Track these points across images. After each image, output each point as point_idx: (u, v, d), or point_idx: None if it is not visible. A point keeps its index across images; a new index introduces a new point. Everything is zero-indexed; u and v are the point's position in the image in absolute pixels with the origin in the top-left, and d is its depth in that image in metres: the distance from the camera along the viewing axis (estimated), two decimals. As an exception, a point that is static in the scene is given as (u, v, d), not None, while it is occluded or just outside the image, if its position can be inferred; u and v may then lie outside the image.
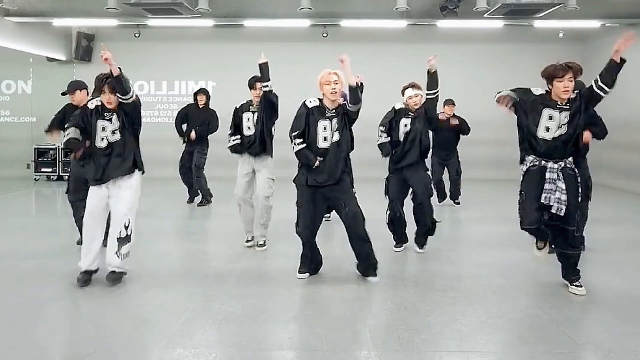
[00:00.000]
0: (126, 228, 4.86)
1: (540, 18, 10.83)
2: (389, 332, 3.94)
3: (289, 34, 12.74)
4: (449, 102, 9.52)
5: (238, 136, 6.21)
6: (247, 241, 6.31)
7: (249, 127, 6.18)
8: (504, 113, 4.67)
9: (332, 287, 4.91)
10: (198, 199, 9.27)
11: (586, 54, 13.32)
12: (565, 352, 3.60)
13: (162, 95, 13.52)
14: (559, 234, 4.65)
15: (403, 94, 6.08)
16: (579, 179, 4.58)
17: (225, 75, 13.22)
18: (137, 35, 12.36)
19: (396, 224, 6.08)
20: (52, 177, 12.84)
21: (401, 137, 5.93)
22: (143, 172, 5.05)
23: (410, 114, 5.96)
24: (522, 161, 4.69)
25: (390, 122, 6.01)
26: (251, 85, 6.26)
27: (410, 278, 5.18)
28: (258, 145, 6.08)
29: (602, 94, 4.51)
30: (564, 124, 4.52)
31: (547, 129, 4.52)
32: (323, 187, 4.93)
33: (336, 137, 4.95)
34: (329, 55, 13.02)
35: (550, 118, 4.52)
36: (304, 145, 4.95)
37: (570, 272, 4.78)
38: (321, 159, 4.92)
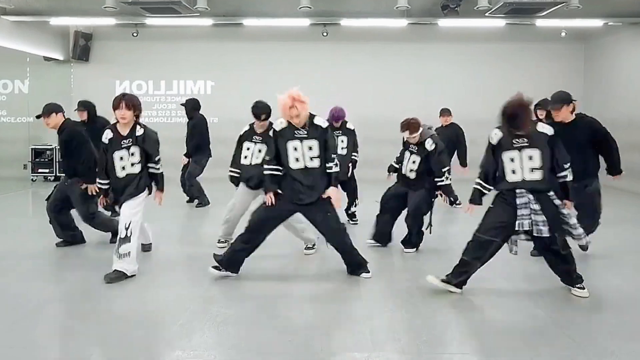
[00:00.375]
0: (126, 229, 5.02)
1: (542, 17, 10.83)
2: (389, 334, 3.95)
3: (289, 33, 12.75)
4: (445, 113, 9.40)
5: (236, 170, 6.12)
6: (308, 248, 6.08)
7: (245, 157, 6.00)
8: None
9: (333, 289, 4.92)
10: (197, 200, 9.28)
11: (589, 53, 13.33)
12: (569, 355, 3.60)
13: (160, 95, 13.52)
14: (547, 253, 4.66)
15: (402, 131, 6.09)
16: (555, 199, 4.48)
17: (224, 75, 13.23)
18: (135, 34, 12.37)
19: (378, 220, 6.27)
20: (49, 177, 12.84)
21: (406, 168, 6.11)
22: (149, 194, 5.33)
23: (413, 149, 6.08)
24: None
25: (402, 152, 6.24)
26: (256, 115, 5.91)
27: (412, 280, 5.18)
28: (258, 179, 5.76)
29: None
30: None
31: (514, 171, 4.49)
32: (300, 206, 5.04)
33: (312, 155, 4.97)
34: (329, 55, 13.20)
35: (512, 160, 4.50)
36: (273, 170, 5.02)
37: (569, 280, 4.74)
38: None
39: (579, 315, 4.34)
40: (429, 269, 5.55)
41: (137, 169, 5.15)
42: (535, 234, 4.42)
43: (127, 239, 5.02)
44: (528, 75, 12.94)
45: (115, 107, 5.10)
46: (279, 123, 5.01)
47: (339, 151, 7.12)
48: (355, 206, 7.81)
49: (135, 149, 5.14)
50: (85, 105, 7.85)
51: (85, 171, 5.97)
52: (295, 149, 4.94)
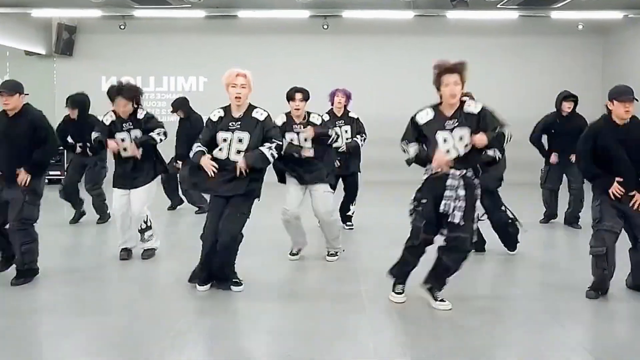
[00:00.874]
0: (145, 222, 6.09)
1: (557, 9, 10.86)
2: (394, 346, 3.95)
3: (287, 25, 12.77)
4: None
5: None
6: (292, 254, 6.18)
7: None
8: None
9: (333, 300, 4.92)
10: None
11: (608, 47, 13.35)
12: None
13: (149, 92, 13.52)
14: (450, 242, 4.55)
15: None
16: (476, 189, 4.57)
17: (218, 70, 12.99)
18: (122, 27, 12.39)
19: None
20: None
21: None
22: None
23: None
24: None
25: None
26: (290, 96, 5.97)
27: (416, 290, 5.18)
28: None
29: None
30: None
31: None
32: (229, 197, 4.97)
33: (239, 149, 4.93)
34: (329, 49, 13.22)
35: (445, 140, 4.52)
36: (199, 151, 4.97)
37: (438, 282, 4.68)
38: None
39: (595, 326, 4.34)
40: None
41: (140, 152, 5.95)
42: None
43: (147, 228, 6.10)
44: (542, 71, 12.96)
45: (113, 99, 5.92)
46: (215, 113, 5.09)
47: (343, 142, 7.07)
48: (352, 205, 7.60)
49: (137, 132, 5.92)
50: (76, 103, 7.87)
51: (46, 164, 5.48)
52: (225, 140, 4.95)
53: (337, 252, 6.18)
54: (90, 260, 6.27)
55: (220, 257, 4.97)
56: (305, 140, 5.85)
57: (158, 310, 4.64)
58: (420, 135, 4.62)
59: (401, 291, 4.82)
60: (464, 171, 4.53)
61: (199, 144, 5.02)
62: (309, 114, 5.93)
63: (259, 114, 5.00)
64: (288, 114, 5.93)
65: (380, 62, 13.16)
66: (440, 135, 4.52)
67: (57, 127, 7.21)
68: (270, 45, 13.11)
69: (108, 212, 8.00)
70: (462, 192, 4.45)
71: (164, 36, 13.21)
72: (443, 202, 4.45)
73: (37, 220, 5.34)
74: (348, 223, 7.65)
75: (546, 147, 8.02)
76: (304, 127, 5.85)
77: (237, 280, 5.10)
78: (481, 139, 4.42)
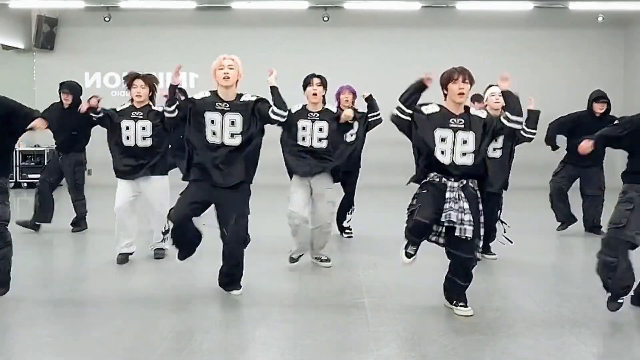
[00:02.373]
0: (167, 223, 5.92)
1: (575, -1, 10.88)
2: (400, 364, 3.95)
3: (284, 17, 12.80)
4: (477, 98, 9.33)
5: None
6: (293, 259, 6.20)
7: (303, 138, 5.97)
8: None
9: (334, 313, 4.91)
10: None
11: (629, 40, 13.37)
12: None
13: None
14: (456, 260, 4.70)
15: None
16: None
17: (210, 66, 13.21)
18: (107, 19, 12.42)
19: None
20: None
21: None
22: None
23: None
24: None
25: None
26: (307, 82, 6.08)
27: (425, 301, 5.18)
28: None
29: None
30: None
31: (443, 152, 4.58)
32: (215, 188, 4.97)
33: (233, 132, 4.98)
34: (330, 42, 13.24)
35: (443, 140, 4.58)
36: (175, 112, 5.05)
37: (458, 298, 4.82)
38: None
39: (617, 342, 4.34)
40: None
41: (147, 142, 6.13)
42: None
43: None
44: (559, 66, 12.97)
45: (130, 85, 6.26)
46: (200, 93, 5.10)
47: (348, 139, 7.07)
48: (350, 213, 7.60)
49: (146, 123, 6.14)
50: (71, 88, 7.80)
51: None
52: (213, 121, 4.96)
53: (328, 258, 6.25)
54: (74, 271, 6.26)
55: (229, 264, 5.16)
56: (321, 130, 5.90)
57: (143, 323, 4.63)
58: (413, 126, 4.63)
59: (412, 252, 4.76)
60: (464, 181, 4.53)
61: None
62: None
63: (248, 97, 5.07)
64: (304, 105, 6.01)
65: (385, 57, 13.17)
66: (438, 133, 4.54)
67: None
68: (266, 39, 13.12)
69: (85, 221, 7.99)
70: (465, 205, 4.46)
71: (152, 29, 13.23)
72: (444, 213, 4.44)
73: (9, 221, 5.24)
74: (347, 231, 7.68)
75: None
76: (319, 115, 5.93)
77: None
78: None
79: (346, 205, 7.57)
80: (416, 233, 4.61)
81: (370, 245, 7.23)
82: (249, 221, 5.11)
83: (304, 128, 5.86)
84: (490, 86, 6.24)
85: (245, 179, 5.04)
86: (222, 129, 4.94)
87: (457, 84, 4.56)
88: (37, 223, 7.88)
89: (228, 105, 4.97)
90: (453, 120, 4.56)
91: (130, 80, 6.26)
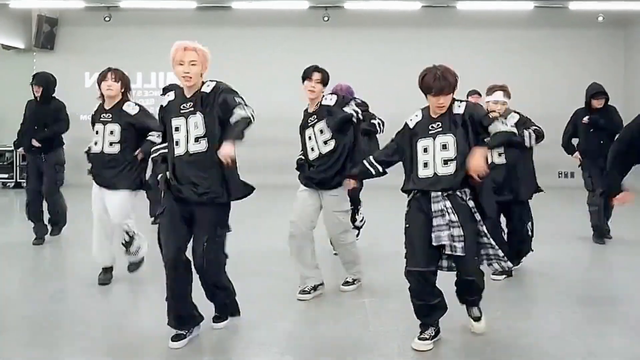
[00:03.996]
0: (127, 233, 5.52)
1: (576, -1, 10.87)
2: (400, 364, 3.94)
3: (284, 17, 12.79)
4: (474, 93, 9.34)
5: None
6: (303, 292, 5.20)
7: (312, 149, 5.21)
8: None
9: (335, 313, 4.91)
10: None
11: (629, 41, 13.36)
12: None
13: (136, 88, 13.49)
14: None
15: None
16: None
17: (210, 65, 13.21)
18: (107, 19, 12.41)
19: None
20: (8, 184, 12.84)
21: None
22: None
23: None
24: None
25: None
26: (307, 75, 5.37)
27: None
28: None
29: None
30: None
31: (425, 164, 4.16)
32: (186, 203, 4.12)
33: (198, 135, 4.11)
34: (330, 42, 13.22)
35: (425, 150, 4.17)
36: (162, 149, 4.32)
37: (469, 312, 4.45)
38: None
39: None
40: (449, 290, 5.55)
41: (115, 149, 5.44)
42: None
43: (131, 241, 5.52)
44: (559, 66, 12.96)
45: (101, 79, 5.65)
46: (169, 94, 4.45)
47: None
48: (358, 214, 7.04)
49: (114, 127, 5.46)
50: (41, 81, 7.36)
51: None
52: (177, 128, 4.15)
53: (354, 280, 5.51)
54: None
55: (208, 295, 4.40)
56: (322, 132, 5.14)
57: (143, 327, 4.63)
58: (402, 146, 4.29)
59: (427, 337, 4.16)
60: (450, 191, 4.06)
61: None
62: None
63: (208, 88, 4.26)
64: (305, 109, 5.38)
65: (385, 57, 13.16)
66: (420, 144, 4.17)
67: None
68: (266, 39, 13.12)
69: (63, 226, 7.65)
70: (453, 217, 3.99)
71: (152, 29, 13.21)
72: (433, 234, 4.01)
73: None
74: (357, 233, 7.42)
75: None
76: (317, 117, 5.20)
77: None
78: (476, 164, 3.93)
79: (352, 212, 7.33)
80: (419, 292, 4.13)
81: (370, 245, 7.21)
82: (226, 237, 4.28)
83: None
84: (493, 90, 5.92)
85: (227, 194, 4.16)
86: (188, 136, 4.13)
87: (435, 98, 4.15)
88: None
89: (191, 106, 4.18)
90: (432, 126, 4.18)
91: (101, 76, 5.68)
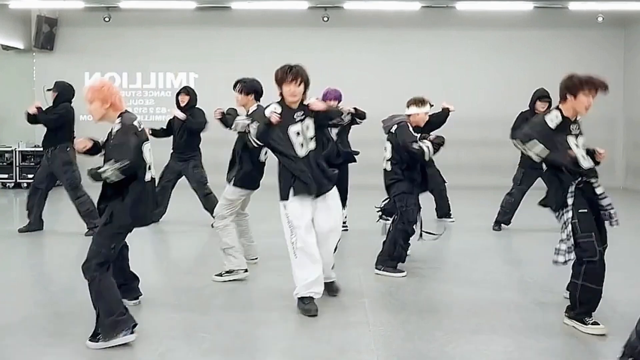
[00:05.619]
0: None
1: (576, -1, 10.88)
2: (400, 364, 3.95)
3: (284, 18, 12.80)
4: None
5: None
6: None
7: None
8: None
9: (333, 312, 4.91)
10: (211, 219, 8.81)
11: (629, 41, 13.37)
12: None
13: (136, 89, 13.56)
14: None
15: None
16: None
17: (209, 66, 13.26)
18: (107, 19, 12.42)
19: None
20: (8, 184, 12.84)
21: None
22: None
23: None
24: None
25: None
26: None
27: (425, 302, 5.19)
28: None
29: None
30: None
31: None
32: None
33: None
34: (329, 43, 13.22)
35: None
36: None
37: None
38: None
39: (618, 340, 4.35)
40: (444, 289, 5.56)
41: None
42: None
43: None
44: (559, 66, 12.80)
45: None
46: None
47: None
48: (343, 208, 7.05)
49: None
50: (58, 87, 7.71)
51: None
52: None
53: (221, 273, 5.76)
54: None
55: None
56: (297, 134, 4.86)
57: (143, 323, 4.64)
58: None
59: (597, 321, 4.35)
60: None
61: None
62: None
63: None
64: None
65: (385, 57, 13.17)
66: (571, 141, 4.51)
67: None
68: (266, 39, 13.12)
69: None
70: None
71: (151, 29, 13.23)
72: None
73: None
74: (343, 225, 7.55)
75: None
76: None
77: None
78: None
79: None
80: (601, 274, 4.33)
81: (370, 245, 7.22)
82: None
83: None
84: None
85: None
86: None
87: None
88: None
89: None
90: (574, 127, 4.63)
91: None
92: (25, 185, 12.68)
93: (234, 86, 5.91)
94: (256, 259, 6.28)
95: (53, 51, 13.28)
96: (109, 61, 13.34)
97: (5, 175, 12.83)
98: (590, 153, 4.63)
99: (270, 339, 4.35)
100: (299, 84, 4.83)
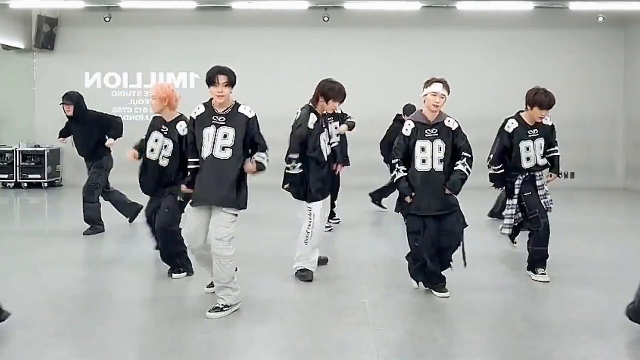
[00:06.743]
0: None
1: (576, -1, 10.88)
2: (400, 364, 3.95)
3: (284, 17, 12.79)
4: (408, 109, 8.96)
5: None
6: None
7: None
8: None
9: (333, 312, 4.92)
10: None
11: (629, 41, 13.36)
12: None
13: (136, 89, 13.55)
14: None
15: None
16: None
17: (209, 66, 12.92)
18: (107, 19, 12.40)
19: None
20: (8, 184, 12.83)
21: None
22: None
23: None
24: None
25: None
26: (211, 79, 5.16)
27: (425, 303, 5.18)
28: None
29: None
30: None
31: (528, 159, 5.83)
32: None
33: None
34: (330, 43, 13.21)
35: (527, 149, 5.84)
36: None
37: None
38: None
39: (621, 347, 4.35)
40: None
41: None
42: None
43: None
44: (560, 66, 12.96)
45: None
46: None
47: (334, 138, 6.97)
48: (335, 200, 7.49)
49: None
50: (72, 98, 7.70)
51: None
52: (207, 136, 4.82)
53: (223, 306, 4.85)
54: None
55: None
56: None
57: (142, 325, 4.63)
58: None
59: None
60: None
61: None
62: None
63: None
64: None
65: (385, 57, 13.17)
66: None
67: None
68: (266, 39, 13.12)
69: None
70: None
71: (152, 29, 13.22)
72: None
73: None
74: (333, 217, 7.75)
75: None
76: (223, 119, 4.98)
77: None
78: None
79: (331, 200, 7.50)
80: None
81: (369, 245, 7.23)
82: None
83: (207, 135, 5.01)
84: (431, 82, 5.75)
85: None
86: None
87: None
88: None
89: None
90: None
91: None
92: (25, 185, 12.69)
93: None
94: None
95: (53, 51, 13.27)
96: (109, 61, 13.34)
97: (6, 175, 12.81)
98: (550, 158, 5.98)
99: (270, 338, 4.35)
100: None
